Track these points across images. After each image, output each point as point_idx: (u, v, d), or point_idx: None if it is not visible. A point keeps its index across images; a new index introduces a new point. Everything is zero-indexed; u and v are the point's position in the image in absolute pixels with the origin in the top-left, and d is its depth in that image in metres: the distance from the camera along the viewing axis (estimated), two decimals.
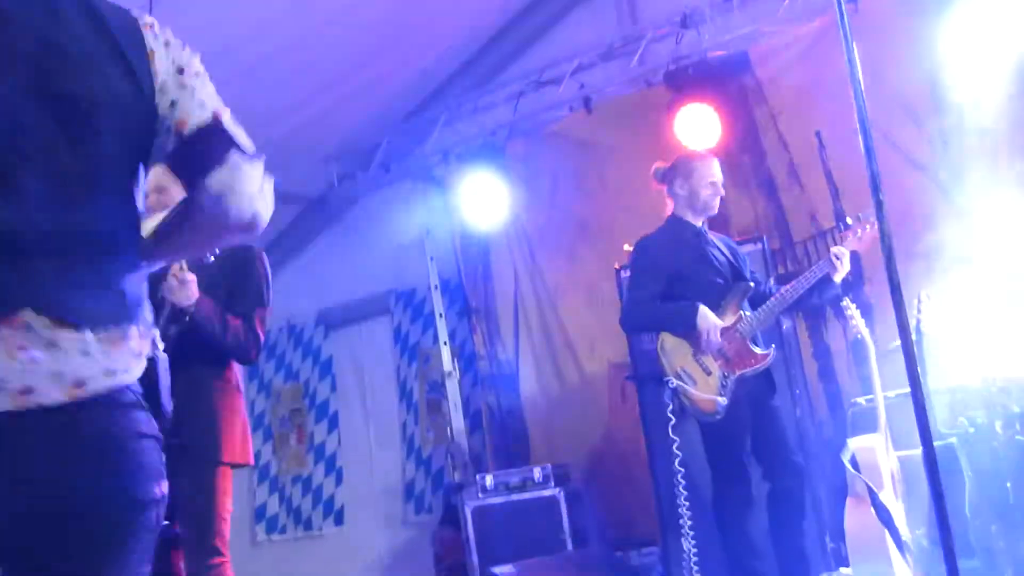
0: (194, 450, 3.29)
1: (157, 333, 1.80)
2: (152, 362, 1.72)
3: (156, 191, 2.62)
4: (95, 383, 1.57)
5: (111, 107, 1.65)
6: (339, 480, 7.66)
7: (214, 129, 1.76)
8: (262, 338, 3.52)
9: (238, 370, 3.58)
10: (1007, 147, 5.02)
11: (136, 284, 1.72)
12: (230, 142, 1.76)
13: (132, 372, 1.65)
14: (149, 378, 1.71)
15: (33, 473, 1.52)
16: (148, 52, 1.72)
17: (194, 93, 1.76)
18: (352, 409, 7.69)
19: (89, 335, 1.58)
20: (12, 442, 1.51)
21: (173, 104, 1.74)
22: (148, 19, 1.76)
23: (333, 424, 7.75)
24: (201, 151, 1.75)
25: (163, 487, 1.66)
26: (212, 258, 3.41)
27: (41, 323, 1.53)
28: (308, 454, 7.82)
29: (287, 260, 7.75)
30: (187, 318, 3.34)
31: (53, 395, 1.53)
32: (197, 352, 3.36)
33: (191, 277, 3.33)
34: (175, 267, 3.28)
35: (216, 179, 1.74)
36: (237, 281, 3.54)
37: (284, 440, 7.94)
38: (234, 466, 3.46)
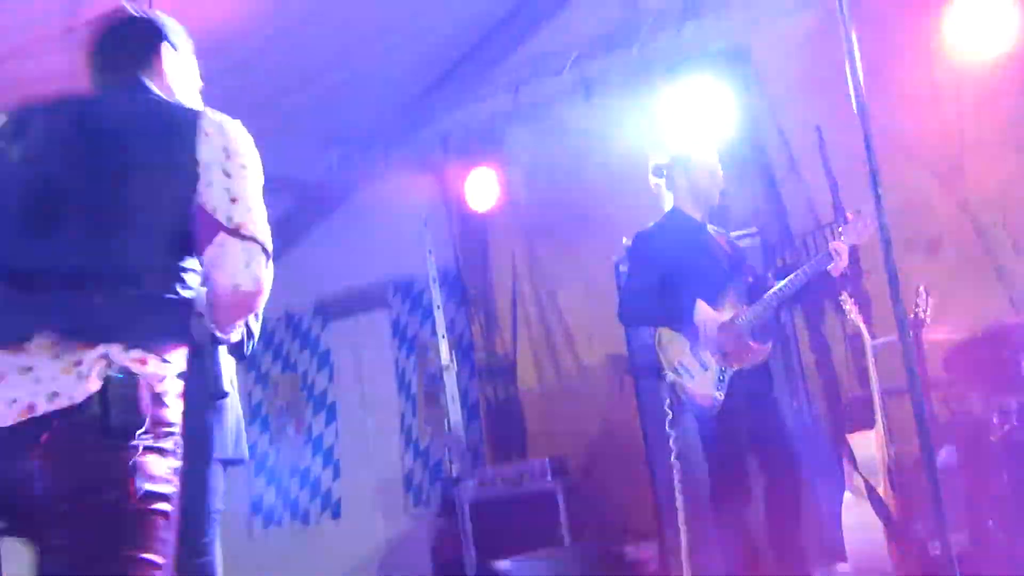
0: (184, 447, 3.25)
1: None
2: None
3: None
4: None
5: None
6: (336, 473, 7.65)
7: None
8: (256, 332, 3.47)
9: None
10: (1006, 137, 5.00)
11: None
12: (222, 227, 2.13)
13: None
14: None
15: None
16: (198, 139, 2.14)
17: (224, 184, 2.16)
18: (350, 401, 7.67)
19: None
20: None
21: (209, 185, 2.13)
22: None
23: (331, 416, 7.74)
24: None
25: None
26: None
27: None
28: (306, 446, 7.80)
29: (285, 249, 7.72)
30: None
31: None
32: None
33: None
34: None
35: (206, 257, 2.14)
36: None
37: (281, 431, 7.93)
38: (226, 463, 3.42)
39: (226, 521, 3.44)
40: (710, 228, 4.60)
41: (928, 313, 4.35)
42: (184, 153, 2.12)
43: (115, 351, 1.94)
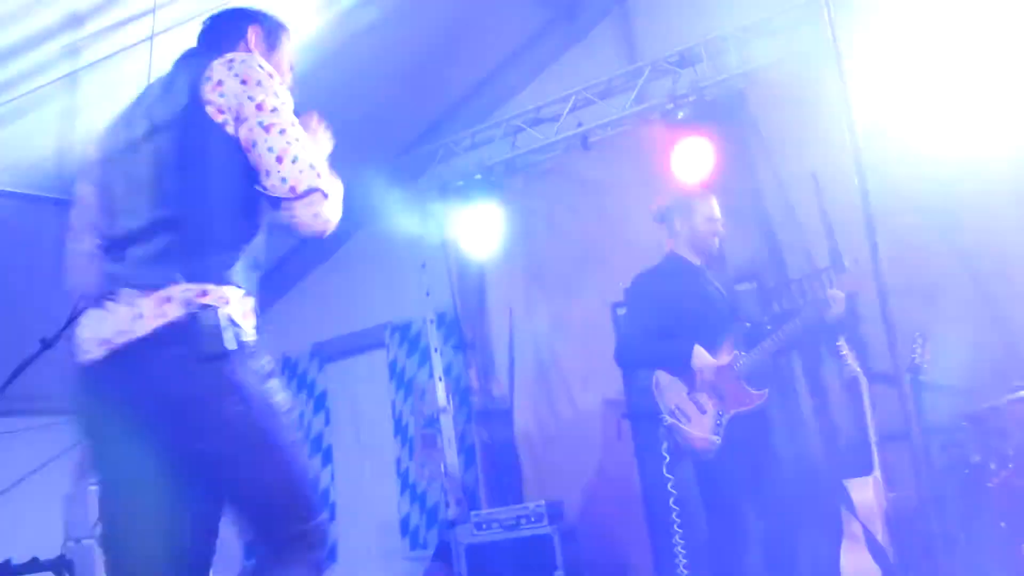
0: None
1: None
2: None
3: None
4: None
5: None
6: (332, 516, 7.60)
7: None
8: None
9: None
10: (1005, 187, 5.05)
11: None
12: None
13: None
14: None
15: None
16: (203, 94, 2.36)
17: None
18: (346, 444, 7.65)
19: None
20: None
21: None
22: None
23: (327, 459, 7.71)
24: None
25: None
26: None
27: None
28: None
29: (283, 292, 7.75)
30: None
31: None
32: None
33: None
34: None
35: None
36: None
37: None
38: None
39: (219, 563, 3.43)
40: (709, 273, 4.63)
41: (926, 359, 4.37)
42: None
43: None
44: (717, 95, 5.83)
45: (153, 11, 4.15)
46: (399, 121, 6.82)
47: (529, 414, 6.71)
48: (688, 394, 4.36)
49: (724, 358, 4.37)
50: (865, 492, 4.19)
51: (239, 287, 2.34)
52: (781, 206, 5.80)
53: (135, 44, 4.42)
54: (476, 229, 6.68)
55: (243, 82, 2.34)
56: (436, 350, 6.86)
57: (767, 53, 5.65)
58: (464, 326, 7.07)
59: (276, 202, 2.33)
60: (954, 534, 4.11)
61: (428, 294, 6.93)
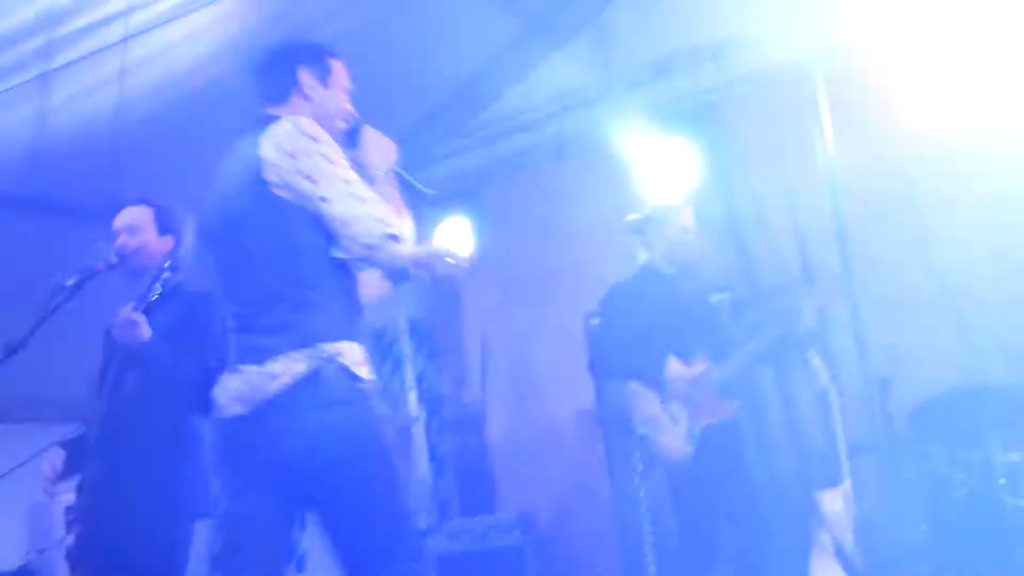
0: (153, 501, 3.21)
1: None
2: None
3: (127, 232, 3.52)
4: None
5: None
6: (302, 525, 7.53)
7: None
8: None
9: (200, 421, 3.46)
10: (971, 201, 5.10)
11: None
12: None
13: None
14: None
15: None
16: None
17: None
18: None
19: None
20: None
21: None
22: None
23: None
24: None
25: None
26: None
27: None
28: None
29: None
30: (140, 362, 3.24)
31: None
32: (154, 399, 3.27)
33: (140, 318, 3.16)
34: (126, 308, 3.16)
35: None
36: (191, 328, 3.35)
37: None
38: (195, 517, 3.37)
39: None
40: (683, 284, 4.64)
41: (895, 371, 4.40)
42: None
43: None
44: (692, 106, 5.85)
45: (127, 13, 4.13)
46: (375, 127, 6.79)
47: (502, 423, 6.71)
48: (661, 404, 4.37)
49: (697, 369, 4.38)
50: (835, 503, 4.21)
51: (348, 339, 2.59)
52: (754, 218, 5.83)
53: (109, 47, 4.39)
54: (451, 236, 6.67)
55: (292, 156, 2.53)
56: (408, 359, 6.85)
57: (743, 66, 5.68)
58: (438, 334, 7.05)
59: (356, 260, 2.61)
60: (922, 545, 4.14)
61: (402, 302, 6.92)
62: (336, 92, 2.86)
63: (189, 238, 3.55)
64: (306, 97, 2.78)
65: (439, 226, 6.63)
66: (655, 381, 4.37)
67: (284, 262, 2.58)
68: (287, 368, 2.52)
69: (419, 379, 6.93)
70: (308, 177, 2.52)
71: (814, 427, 5.35)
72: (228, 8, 4.86)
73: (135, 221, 3.51)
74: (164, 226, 3.53)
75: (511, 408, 6.67)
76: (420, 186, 2.91)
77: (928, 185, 5.07)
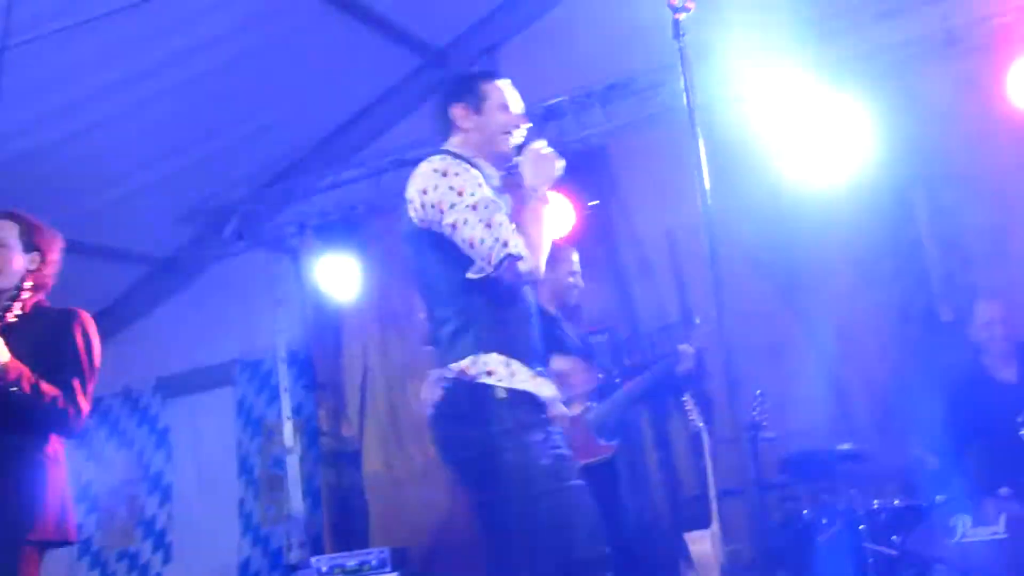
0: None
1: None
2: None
3: None
4: None
5: None
6: (167, 557, 7.30)
7: None
8: (85, 409, 3.26)
9: (61, 442, 3.32)
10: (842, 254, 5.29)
11: None
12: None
13: None
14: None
15: None
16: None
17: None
18: (186, 482, 7.38)
19: None
20: None
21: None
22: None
23: (165, 497, 7.42)
24: None
25: None
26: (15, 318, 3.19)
27: None
28: (136, 528, 7.44)
29: (128, 323, 7.46)
30: None
31: None
32: (10, 421, 3.11)
33: None
34: None
35: None
36: (53, 348, 3.21)
37: (111, 513, 7.54)
38: (47, 545, 3.21)
39: None
40: (564, 324, 4.67)
41: (764, 417, 4.51)
42: None
43: None
44: (580, 150, 5.93)
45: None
46: (261, 155, 6.72)
47: (378, 457, 6.63)
48: None
49: (576, 409, 4.41)
50: (703, 545, 4.28)
51: (500, 352, 2.84)
52: (636, 261, 5.93)
53: None
54: (335, 269, 6.60)
55: (423, 192, 2.90)
56: (286, 389, 6.73)
57: (629, 111, 5.79)
58: (317, 366, 6.95)
59: (490, 280, 2.83)
60: None
61: (281, 332, 6.81)
62: (492, 115, 3.08)
63: (55, 257, 3.41)
64: (462, 130, 3.06)
65: (319, 260, 6.56)
66: None
67: (443, 283, 2.92)
68: (453, 376, 2.86)
69: (296, 410, 6.81)
70: (437, 208, 2.85)
71: (687, 469, 5.45)
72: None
73: None
74: (29, 244, 3.39)
75: (388, 443, 6.60)
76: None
77: (800, 235, 5.24)
